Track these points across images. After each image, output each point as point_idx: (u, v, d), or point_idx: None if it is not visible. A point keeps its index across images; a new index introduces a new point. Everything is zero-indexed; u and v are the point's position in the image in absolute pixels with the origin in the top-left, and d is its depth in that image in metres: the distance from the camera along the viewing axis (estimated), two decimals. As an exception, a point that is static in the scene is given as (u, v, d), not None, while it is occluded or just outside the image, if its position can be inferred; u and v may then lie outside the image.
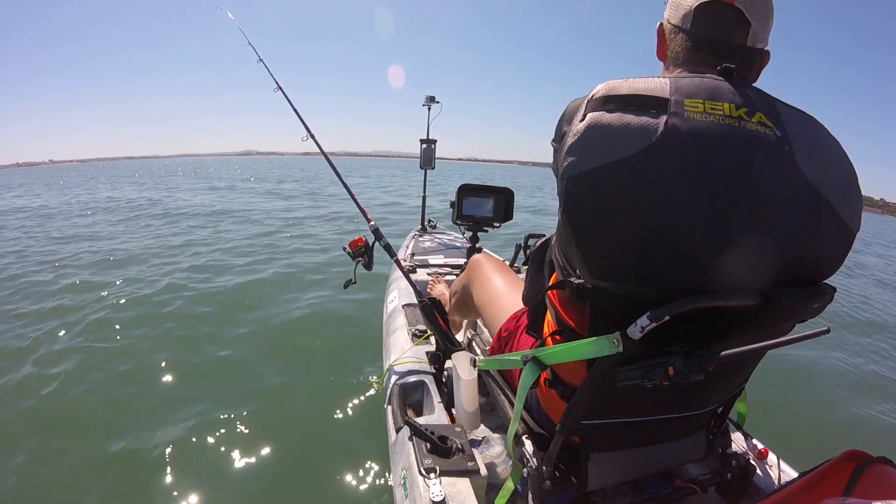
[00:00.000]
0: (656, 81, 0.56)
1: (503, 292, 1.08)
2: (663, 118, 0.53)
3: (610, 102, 0.55)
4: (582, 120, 0.56)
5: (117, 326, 2.86)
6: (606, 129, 0.54)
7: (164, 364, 2.39)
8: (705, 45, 0.63)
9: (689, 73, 0.59)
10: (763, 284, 0.54)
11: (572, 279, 0.62)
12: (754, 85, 0.59)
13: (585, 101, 0.58)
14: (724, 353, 0.52)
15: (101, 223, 7.00)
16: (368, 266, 1.54)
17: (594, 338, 0.60)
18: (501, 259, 2.13)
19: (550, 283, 0.71)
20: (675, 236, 0.52)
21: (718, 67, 0.58)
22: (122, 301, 3.31)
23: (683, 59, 0.65)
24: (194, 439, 1.83)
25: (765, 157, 0.53)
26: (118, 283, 3.75)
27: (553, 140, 0.65)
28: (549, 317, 0.76)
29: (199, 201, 10.09)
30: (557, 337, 0.72)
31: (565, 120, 0.62)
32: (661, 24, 0.69)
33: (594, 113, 0.56)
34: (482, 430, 1.22)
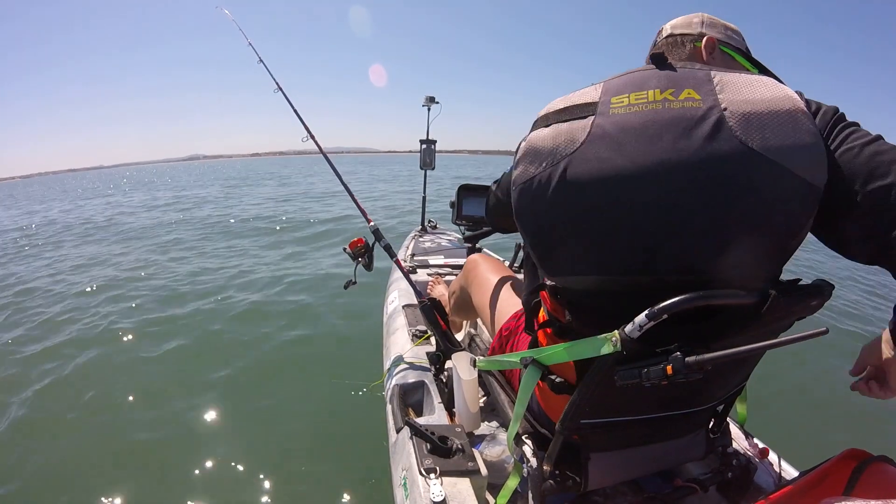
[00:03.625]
0: (591, 89, 0.62)
1: (501, 292, 1.08)
2: (590, 119, 0.58)
3: (548, 119, 0.62)
4: (525, 140, 0.64)
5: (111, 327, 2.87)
6: (540, 143, 0.61)
7: (164, 363, 2.40)
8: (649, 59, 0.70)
9: (629, 70, 0.64)
10: (738, 269, 0.55)
11: (547, 280, 0.67)
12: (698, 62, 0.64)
13: (534, 121, 0.65)
14: (722, 353, 0.52)
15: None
16: (368, 266, 1.54)
17: (592, 337, 0.60)
18: (500, 259, 2.13)
19: (539, 283, 0.75)
20: (608, 223, 0.56)
21: (649, 54, 0.64)
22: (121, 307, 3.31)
23: None
24: (194, 439, 1.84)
25: (689, 132, 0.53)
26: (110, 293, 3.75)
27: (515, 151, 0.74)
28: (541, 312, 0.78)
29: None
30: (548, 330, 0.74)
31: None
32: None
33: (534, 132, 0.63)
34: (482, 430, 1.22)
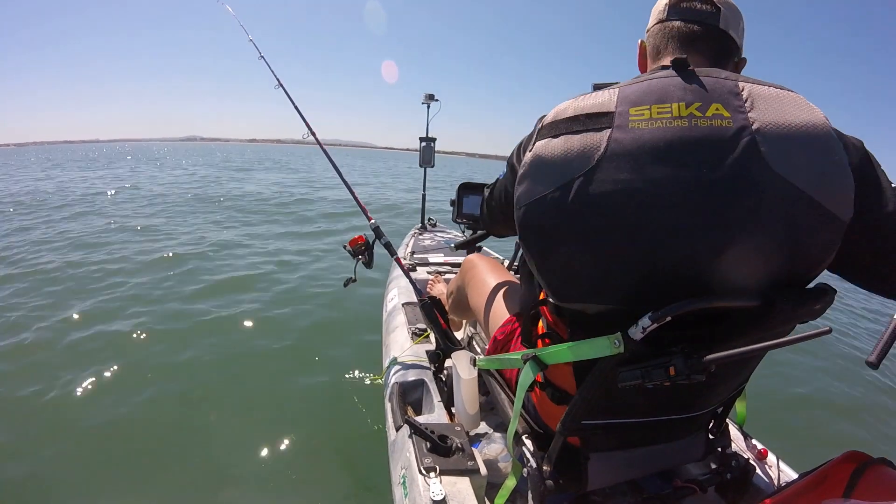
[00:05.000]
0: (604, 94, 0.56)
1: (498, 295, 1.07)
2: (607, 133, 0.53)
3: (557, 128, 0.56)
4: (530, 150, 0.58)
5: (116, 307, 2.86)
6: (550, 156, 0.55)
7: (162, 361, 2.39)
8: (678, 31, 0.64)
9: (645, 76, 0.59)
10: (749, 288, 0.53)
11: (550, 299, 0.63)
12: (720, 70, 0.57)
13: (536, 129, 0.59)
14: (724, 353, 0.52)
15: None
16: (368, 264, 1.54)
17: (595, 338, 0.60)
18: (500, 258, 2.13)
19: (538, 300, 0.74)
20: (629, 253, 0.52)
21: (671, 58, 0.57)
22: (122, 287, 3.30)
23: (658, 52, 0.67)
24: (191, 436, 1.83)
25: (718, 155, 0.50)
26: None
27: (513, 160, 0.67)
28: (540, 322, 0.77)
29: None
30: (547, 340, 0.73)
31: (523, 147, 0.64)
32: (642, 41, 0.71)
33: (541, 142, 0.57)
34: (482, 429, 1.22)
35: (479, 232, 1.61)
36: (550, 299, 0.63)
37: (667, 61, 0.61)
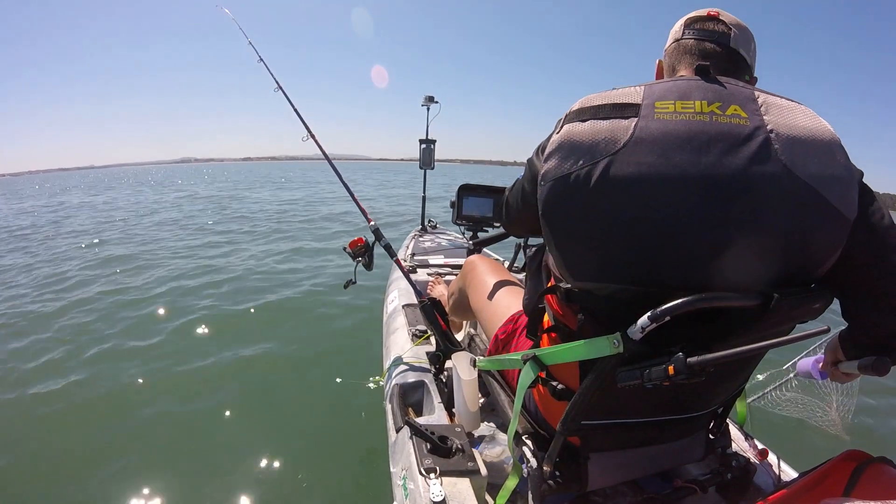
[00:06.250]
0: (631, 89, 0.59)
1: (498, 295, 1.07)
2: (633, 121, 0.55)
3: (584, 114, 0.59)
4: (557, 132, 0.60)
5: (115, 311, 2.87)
6: (578, 137, 0.58)
7: (166, 362, 2.40)
8: (693, 48, 0.68)
9: (670, 78, 0.62)
10: (757, 282, 0.54)
11: (561, 283, 0.64)
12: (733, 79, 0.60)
13: (562, 119, 0.62)
14: (724, 353, 0.52)
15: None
16: (369, 266, 1.54)
17: (594, 338, 0.60)
18: (500, 259, 2.13)
19: (546, 287, 0.74)
20: (646, 234, 0.54)
21: (695, 64, 0.60)
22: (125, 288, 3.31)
23: (673, 69, 0.69)
24: (194, 436, 1.83)
25: (736, 149, 0.53)
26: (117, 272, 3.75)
27: (534, 158, 0.69)
28: (545, 317, 0.77)
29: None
30: (553, 334, 0.73)
31: (542, 145, 0.66)
32: (660, 60, 0.74)
33: (569, 125, 0.60)
34: (482, 430, 1.22)
35: (499, 230, 1.65)
36: (563, 283, 0.64)
37: (682, 74, 0.65)
